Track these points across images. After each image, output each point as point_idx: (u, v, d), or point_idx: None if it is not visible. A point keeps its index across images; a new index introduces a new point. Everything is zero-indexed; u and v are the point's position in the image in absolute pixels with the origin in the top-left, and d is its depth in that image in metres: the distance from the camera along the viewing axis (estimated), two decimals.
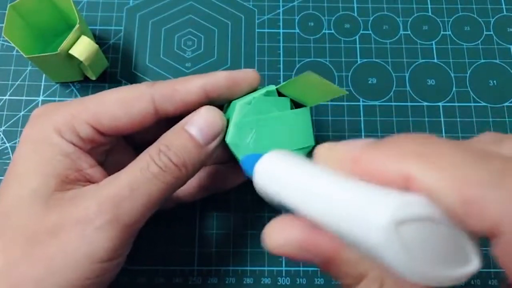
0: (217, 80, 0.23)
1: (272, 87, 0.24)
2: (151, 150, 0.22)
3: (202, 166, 0.23)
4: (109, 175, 0.25)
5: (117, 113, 0.22)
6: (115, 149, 0.26)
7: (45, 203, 0.20)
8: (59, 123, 0.22)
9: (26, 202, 0.20)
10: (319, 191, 0.15)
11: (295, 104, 0.25)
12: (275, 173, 0.17)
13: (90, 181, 0.22)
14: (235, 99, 0.25)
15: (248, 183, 0.31)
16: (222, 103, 0.25)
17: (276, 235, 0.16)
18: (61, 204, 0.20)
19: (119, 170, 0.26)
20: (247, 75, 0.24)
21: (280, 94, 0.25)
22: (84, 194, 0.20)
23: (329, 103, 0.34)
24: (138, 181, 0.21)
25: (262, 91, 0.24)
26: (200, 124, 0.22)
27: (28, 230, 0.20)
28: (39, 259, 0.19)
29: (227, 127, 0.23)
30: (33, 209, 0.20)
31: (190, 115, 0.23)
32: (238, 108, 0.23)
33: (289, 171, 0.16)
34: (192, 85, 0.23)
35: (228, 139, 0.23)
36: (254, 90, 0.25)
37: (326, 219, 0.14)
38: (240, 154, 0.23)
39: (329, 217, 0.14)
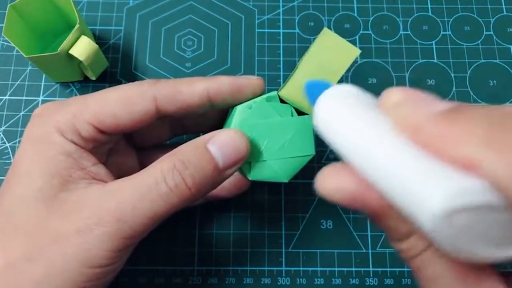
0: (220, 85, 0.23)
1: (274, 93, 0.24)
2: (165, 164, 0.20)
3: (213, 189, 0.22)
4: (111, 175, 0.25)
5: (118, 112, 0.22)
6: (116, 149, 0.26)
7: (48, 205, 0.20)
8: (60, 122, 0.22)
9: (30, 202, 0.20)
10: (377, 152, 0.14)
11: (297, 113, 0.25)
12: (336, 119, 0.16)
13: (95, 178, 0.22)
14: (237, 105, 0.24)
15: (249, 184, 0.32)
16: (225, 108, 0.25)
17: (329, 182, 0.16)
18: (63, 209, 0.20)
19: (120, 170, 0.26)
20: (251, 82, 0.23)
21: (282, 101, 0.24)
22: (87, 200, 0.20)
23: None
24: (143, 198, 0.20)
25: (264, 96, 0.24)
26: (224, 145, 0.21)
27: (29, 231, 0.20)
28: (39, 261, 0.19)
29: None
30: (36, 210, 0.20)
31: (215, 132, 0.22)
32: (238, 111, 0.23)
33: (350, 121, 0.16)
34: (196, 88, 0.23)
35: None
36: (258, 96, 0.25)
37: (380, 182, 0.14)
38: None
39: (382, 181, 0.14)
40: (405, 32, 0.36)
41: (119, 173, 0.26)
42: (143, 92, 0.22)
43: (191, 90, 0.23)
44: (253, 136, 0.23)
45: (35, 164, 0.21)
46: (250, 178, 0.23)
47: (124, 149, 0.27)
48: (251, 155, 0.23)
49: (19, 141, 0.33)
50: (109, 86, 0.34)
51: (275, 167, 0.23)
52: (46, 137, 0.21)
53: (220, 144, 0.21)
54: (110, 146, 0.25)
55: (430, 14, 0.37)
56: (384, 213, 0.15)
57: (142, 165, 0.27)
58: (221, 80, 0.23)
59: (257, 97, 0.24)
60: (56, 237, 0.19)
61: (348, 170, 0.16)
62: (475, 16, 0.37)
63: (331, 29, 0.37)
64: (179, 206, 0.20)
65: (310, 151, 0.23)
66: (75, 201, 0.20)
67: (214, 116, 0.27)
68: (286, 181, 0.23)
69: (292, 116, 0.24)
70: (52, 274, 0.19)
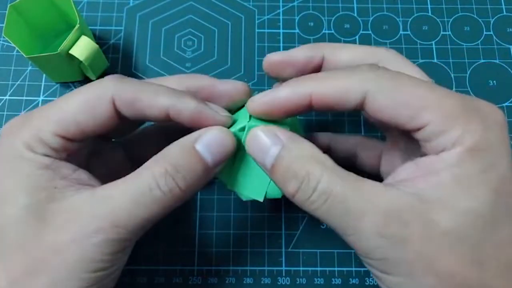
0: (184, 109, 0.22)
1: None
2: (156, 169, 0.20)
3: (202, 188, 0.22)
4: (98, 175, 0.24)
5: (80, 118, 0.21)
6: (98, 149, 0.25)
7: (40, 219, 0.20)
8: (27, 138, 0.21)
9: (20, 219, 0.20)
10: None
11: None
12: None
13: (79, 183, 0.21)
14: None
15: None
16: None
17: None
18: (56, 220, 0.20)
19: (108, 168, 0.26)
20: (219, 118, 0.22)
21: None
22: (79, 208, 0.20)
23: None
24: (138, 204, 0.20)
25: (243, 120, 0.23)
26: (211, 144, 0.21)
27: (27, 247, 0.19)
28: (42, 275, 0.19)
29: None
30: (29, 226, 0.20)
31: (201, 131, 0.22)
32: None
33: None
34: (157, 103, 0.21)
35: (220, 176, 0.24)
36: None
37: None
38: (227, 183, 0.24)
39: None
40: (405, 32, 0.36)
41: (108, 171, 0.25)
42: (101, 94, 0.21)
43: (152, 103, 0.21)
44: (239, 159, 0.24)
45: (15, 182, 0.20)
46: (244, 199, 0.24)
47: (105, 147, 0.26)
48: (238, 177, 0.24)
49: None
50: None
51: (262, 186, 0.24)
52: (17, 155, 0.21)
53: (207, 143, 0.21)
54: (87, 150, 0.24)
55: (430, 14, 0.37)
56: None
57: (129, 155, 0.27)
58: (187, 103, 0.22)
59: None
60: (55, 249, 0.19)
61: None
62: (475, 16, 0.37)
63: (331, 29, 0.37)
64: (172, 208, 0.21)
65: None
66: (67, 210, 0.20)
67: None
68: (279, 197, 0.24)
69: None
70: (56, 284, 0.19)
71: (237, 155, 0.23)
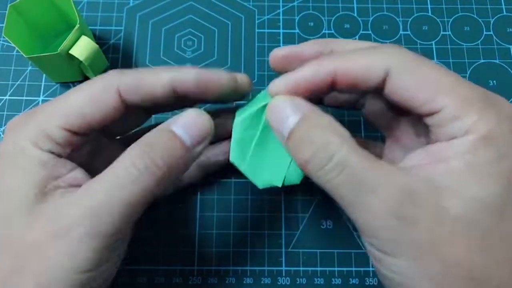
0: (186, 76, 0.22)
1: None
2: (132, 150, 0.20)
3: (186, 170, 0.22)
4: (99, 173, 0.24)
5: (86, 110, 0.21)
6: (99, 147, 0.25)
7: (29, 218, 0.20)
8: (33, 133, 0.21)
9: (12, 218, 0.20)
10: None
11: None
12: None
13: (72, 184, 0.21)
14: (240, 109, 0.24)
15: (249, 184, 0.32)
16: (193, 102, 0.25)
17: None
18: (42, 220, 0.20)
19: (106, 166, 0.26)
20: (221, 77, 0.22)
21: None
22: (63, 206, 0.20)
23: None
24: (115, 187, 0.19)
25: (262, 102, 0.23)
26: (187, 125, 0.21)
27: (14, 246, 0.19)
28: (27, 275, 0.19)
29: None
30: (19, 225, 0.20)
31: (176, 116, 0.22)
32: (238, 124, 0.23)
33: None
34: (160, 78, 0.22)
35: (232, 158, 0.23)
36: (248, 94, 0.25)
37: None
38: (244, 169, 0.23)
39: None
40: (405, 32, 0.36)
41: None
42: (106, 86, 0.22)
43: (155, 81, 0.22)
44: (254, 145, 0.23)
45: (12, 180, 0.20)
46: (260, 187, 0.24)
47: (108, 144, 0.26)
48: (255, 163, 0.23)
49: None
50: None
51: (284, 170, 0.24)
52: (18, 151, 0.21)
53: (183, 124, 0.21)
54: (90, 147, 0.24)
55: (430, 14, 0.37)
56: None
57: None
58: (187, 71, 0.22)
59: (227, 94, 0.24)
60: (37, 246, 0.19)
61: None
62: (475, 16, 0.37)
63: (331, 29, 0.37)
64: (154, 189, 0.20)
65: None
66: (51, 212, 0.20)
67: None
68: (298, 182, 0.24)
69: None
70: (42, 285, 0.19)
71: (255, 138, 0.23)
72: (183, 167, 0.21)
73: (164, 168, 0.20)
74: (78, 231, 0.19)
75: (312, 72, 0.21)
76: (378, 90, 0.21)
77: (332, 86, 0.21)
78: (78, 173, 0.22)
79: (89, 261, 0.19)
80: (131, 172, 0.20)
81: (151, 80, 0.22)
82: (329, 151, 0.19)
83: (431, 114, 0.19)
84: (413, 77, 0.20)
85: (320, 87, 0.21)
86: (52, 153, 0.21)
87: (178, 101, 0.23)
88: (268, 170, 0.24)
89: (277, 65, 0.26)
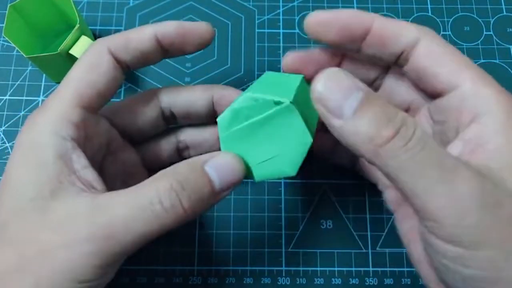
0: (167, 28, 0.24)
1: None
2: (161, 183, 0.20)
3: (205, 211, 0.22)
4: (110, 175, 0.24)
5: (90, 79, 0.22)
6: (113, 147, 0.26)
7: (40, 215, 0.20)
8: (51, 119, 0.21)
9: (23, 214, 0.20)
10: None
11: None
12: None
13: (84, 183, 0.21)
14: (253, 87, 0.23)
15: (249, 184, 0.32)
16: (176, 55, 0.25)
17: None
18: (54, 220, 0.20)
19: (124, 169, 0.26)
20: (198, 27, 0.24)
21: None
22: (77, 213, 0.20)
23: None
24: (137, 218, 0.19)
25: (272, 98, 0.21)
26: (221, 167, 0.21)
27: (21, 243, 0.19)
28: (28, 274, 0.19)
29: None
30: (29, 222, 0.20)
31: (212, 154, 0.21)
32: (244, 98, 0.22)
33: None
34: (144, 33, 0.23)
35: (219, 118, 0.22)
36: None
37: None
38: (222, 135, 0.22)
39: None
40: None
41: (122, 172, 0.26)
42: (98, 51, 0.23)
43: (140, 36, 0.24)
44: (246, 138, 0.22)
45: (26, 173, 0.20)
46: (256, 180, 0.23)
47: (122, 146, 0.26)
48: (250, 158, 0.22)
49: None
50: None
51: (278, 164, 0.23)
52: (37, 142, 0.21)
53: (217, 167, 0.21)
54: (101, 141, 0.24)
55: (430, 14, 0.37)
56: None
57: (144, 160, 0.28)
58: (168, 24, 0.24)
59: (206, 43, 0.25)
60: (44, 251, 0.19)
61: None
62: (475, 16, 0.37)
63: None
64: (171, 227, 0.20)
65: (307, 138, 0.22)
66: (66, 213, 0.20)
67: (203, 106, 0.27)
68: (294, 174, 0.23)
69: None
70: (40, 286, 0.19)
71: (251, 120, 0.22)
72: (205, 209, 0.21)
73: (189, 211, 0.20)
74: (87, 248, 0.19)
75: (352, 14, 0.22)
76: (401, 63, 0.22)
77: (363, 39, 0.22)
78: (89, 173, 0.21)
79: (91, 275, 0.19)
80: (155, 209, 0.19)
81: (137, 35, 0.24)
82: (410, 128, 0.18)
83: (451, 90, 0.20)
84: (438, 51, 0.21)
85: (353, 34, 0.22)
86: (71, 139, 0.21)
87: (164, 54, 0.25)
88: (262, 165, 0.23)
89: (313, 30, 0.23)
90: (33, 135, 0.21)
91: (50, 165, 0.20)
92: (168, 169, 0.21)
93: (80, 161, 0.21)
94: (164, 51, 0.24)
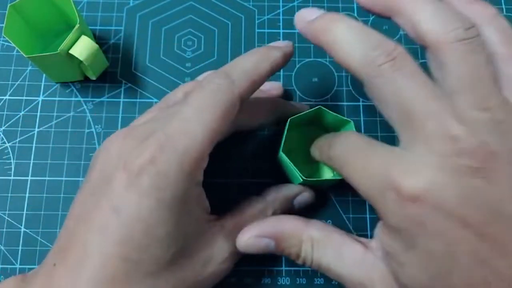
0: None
1: None
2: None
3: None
4: None
5: (222, 131, 0.23)
6: None
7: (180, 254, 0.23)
8: (193, 167, 0.22)
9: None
10: None
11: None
12: None
13: (207, 211, 0.25)
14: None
15: (249, 184, 0.32)
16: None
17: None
18: (194, 257, 0.24)
19: None
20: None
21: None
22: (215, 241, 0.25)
23: (329, 103, 0.34)
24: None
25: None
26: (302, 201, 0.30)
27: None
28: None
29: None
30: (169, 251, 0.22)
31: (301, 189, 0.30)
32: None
33: None
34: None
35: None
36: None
37: None
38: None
39: None
40: (405, 32, 0.36)
41: None
42: (233, 99, 0.23)
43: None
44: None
45: (173, 227, 0.22)
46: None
47: None
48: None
49: (19, 141, 0.33)
50: (109, 86, 0.34)
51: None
52: (184, 200, 0.22)
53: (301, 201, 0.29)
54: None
55: None
56: None
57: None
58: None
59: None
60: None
61: None
62: None
63: None
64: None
65: (298, 179, 0.29)
66: (203, 247, 0.24)
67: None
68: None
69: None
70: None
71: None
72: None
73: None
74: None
75: None
76: None
77: None
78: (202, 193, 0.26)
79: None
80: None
81: (259, 78, 0.25)
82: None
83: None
84: None
85: None
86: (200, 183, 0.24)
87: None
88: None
89: None
90: (178, 189, 0.22)
91: (194, 216, 0.24)
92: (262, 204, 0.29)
93: (203, 196, 0.25)
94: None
